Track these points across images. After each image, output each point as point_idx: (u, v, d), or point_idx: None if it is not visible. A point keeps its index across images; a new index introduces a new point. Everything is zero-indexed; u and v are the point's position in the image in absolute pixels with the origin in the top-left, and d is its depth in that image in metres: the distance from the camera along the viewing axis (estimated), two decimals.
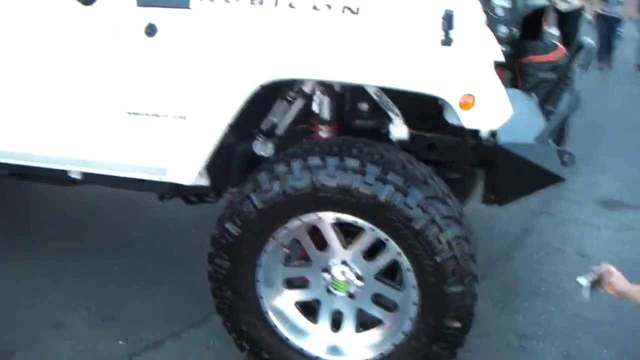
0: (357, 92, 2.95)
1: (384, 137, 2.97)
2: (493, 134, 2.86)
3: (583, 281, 2.54)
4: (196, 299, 2.88)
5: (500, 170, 2.85)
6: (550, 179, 2.78)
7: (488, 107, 2.57)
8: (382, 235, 2.58)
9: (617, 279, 2.50)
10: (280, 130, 3.04)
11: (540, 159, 2.74)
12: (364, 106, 3.02)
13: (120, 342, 3.15)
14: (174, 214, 4.19)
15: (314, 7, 2.59)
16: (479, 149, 2.90)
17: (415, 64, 2.53)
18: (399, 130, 2.93)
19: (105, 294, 3.52)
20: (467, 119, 2.55)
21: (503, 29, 6.02)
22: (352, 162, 2.53)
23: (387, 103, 2.88)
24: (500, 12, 6.03)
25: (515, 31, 6.13)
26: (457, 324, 2.59)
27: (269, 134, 3.02)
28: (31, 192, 4.76)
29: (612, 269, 2.54)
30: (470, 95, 2.52)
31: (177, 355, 3.10)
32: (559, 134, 5.49)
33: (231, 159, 3.02)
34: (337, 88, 2.97)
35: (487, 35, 3.72)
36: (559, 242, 4.41)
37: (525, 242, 4.37)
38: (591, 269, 2.53)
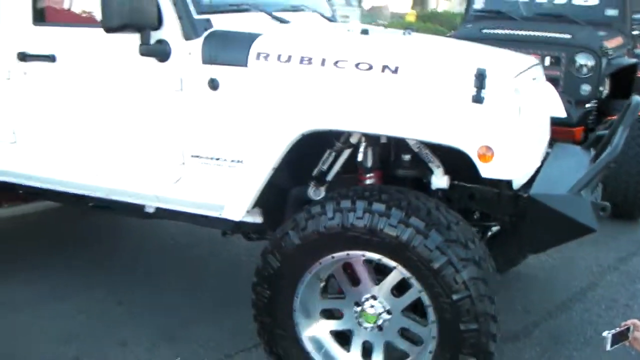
0: (401, 143, 3.20)
1: (427, 186, 3.21)
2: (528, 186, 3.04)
3: (605, 332, 2.63)
4: (250, 327, 3.17)
5: (532, 220, 3.00)
6: (581, 229, 2.90)
7: (507, 160, 2.73)
8: (406, 273, 2.79)
9: None
10: (330, 177, 3.34)
11: (571, 210, 2.87)
12: (407, 157, 3.25)
13: None
14: (252, 250, 4.53)
15: (357, 67, 2.91)
16: (513, 199, 3.08)
17: (439, 118, 2.77)
18: (439, 180, 3.14)
19: (171, 319, 3.87)
20: (485, 170, 2.75)
21: (586, 87, 6.10)
22: (378, 206, 2.78)
23: (427, 155, 3.11)
24: (584, 70, 6.11)
25: (601, 90, 6.17)
26: None
27: (320, 180, 3.32)
28: (121, 227, 5.32)
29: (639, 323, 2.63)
30: (488, 147, 2.71)
31: None
32: None
33: (284, 200, 3.36)
34: (382, 140, 3.26)
35: (544, 91, 3.88)
36: (625, 297, 4.35)
37: (588, 295, 4.36)
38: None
